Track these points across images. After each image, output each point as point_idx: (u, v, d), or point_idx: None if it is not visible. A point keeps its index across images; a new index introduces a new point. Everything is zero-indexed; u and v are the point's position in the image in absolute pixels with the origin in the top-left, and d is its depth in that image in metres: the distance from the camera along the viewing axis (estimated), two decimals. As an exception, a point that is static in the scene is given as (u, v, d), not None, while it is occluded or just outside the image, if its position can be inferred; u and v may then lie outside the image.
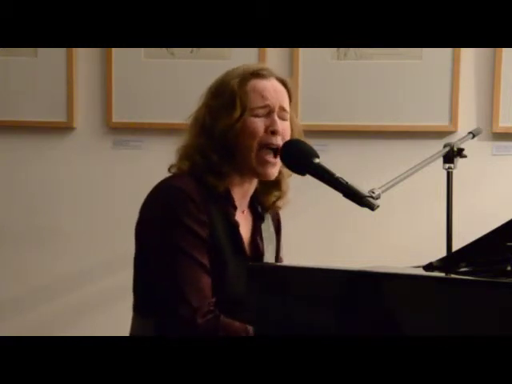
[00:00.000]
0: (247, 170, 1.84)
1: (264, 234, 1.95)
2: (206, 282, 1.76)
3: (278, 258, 2.05)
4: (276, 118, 1.83)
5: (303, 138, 1.91)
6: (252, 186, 1.90)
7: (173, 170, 1.88)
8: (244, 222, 1.90)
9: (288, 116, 1.87)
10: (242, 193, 1.88)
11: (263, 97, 1.83)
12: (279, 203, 1.96)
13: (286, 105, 1.87)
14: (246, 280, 1.52)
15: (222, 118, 1.81)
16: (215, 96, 1.86)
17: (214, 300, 1.76)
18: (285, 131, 1.84)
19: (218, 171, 1.81)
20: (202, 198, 1.78)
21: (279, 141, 1.82)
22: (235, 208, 1.86)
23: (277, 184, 1.92)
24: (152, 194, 1.83)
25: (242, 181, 1.87)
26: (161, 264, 1.77)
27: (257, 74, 1.85)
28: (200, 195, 1.78)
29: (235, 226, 1.85)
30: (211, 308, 1.74)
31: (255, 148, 1.81)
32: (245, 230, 1.89)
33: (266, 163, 1.82)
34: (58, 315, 3.09)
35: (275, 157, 1.82)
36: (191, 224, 1.75)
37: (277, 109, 1.83)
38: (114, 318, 2.93)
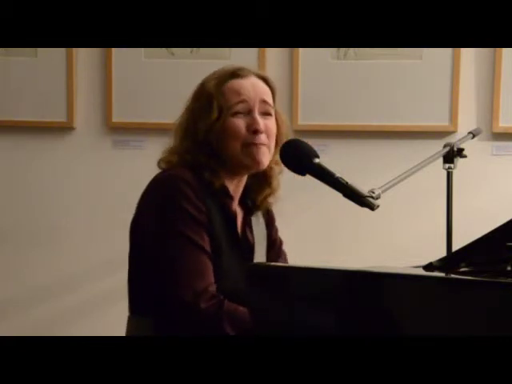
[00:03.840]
0: (236, 166, 1.85)
1: (254, 228, 1.95)
2: (208, 265, 1.74)
3: (271, 251, 2.04)
4: (257, 115, 1.82)
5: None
6: (242, 180, 1.91)
7: (162, 165, 1.87)
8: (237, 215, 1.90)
9: (272, 111, 1.86)
10: (233, 187, 1.89)
11: (240, 94, 1.82)
12: (270, 200, 1.97)
13: (269, 99, 1.86)
14: (245, 280, 1.52)
15: (202, 120, 1.82)
16: (195, 99, 1.88)
17: (215, 285, 1.73)
18: (268, 129, 1.84)
19: (209, 168, 1.81)
20: (200, 187, 1.78)
21: (263, 139, 1.83)
22: (232, 199, 1.87)
23: (268, 181, 1.93)
24: (149, 185, 1.83)
25: (233, 176, 1.87)
26: (161, 250, 1.75)
27: (234, 74, 1.85)
28: (198, 185, 1.78)
29: (233, 217, 1.86)
30: (214, 293, 1.72)
31: (239, 148, 1.82)
32: (237, 224, 1.90)
33: (252, 155, 1.82)
34: (57, 315, 3.09)
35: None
36: (191, 209, 1.74)
37: (257, 104, 1.83)
38: (114, 317, 2.92)
